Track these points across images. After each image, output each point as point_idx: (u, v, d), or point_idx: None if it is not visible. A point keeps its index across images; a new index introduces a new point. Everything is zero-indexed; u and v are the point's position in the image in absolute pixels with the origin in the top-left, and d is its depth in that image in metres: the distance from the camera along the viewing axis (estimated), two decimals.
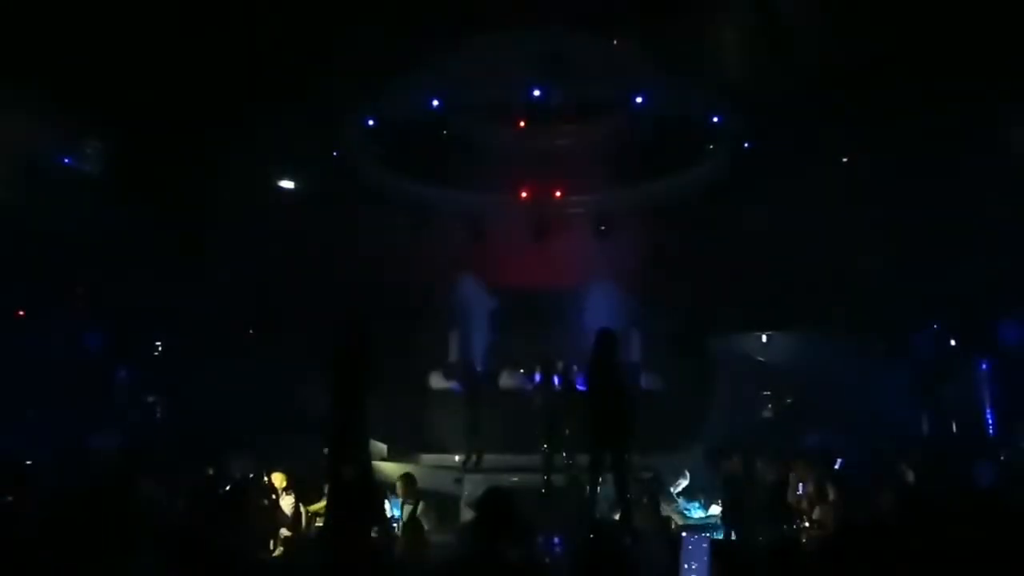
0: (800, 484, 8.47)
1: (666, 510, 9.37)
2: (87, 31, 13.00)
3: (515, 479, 10.25)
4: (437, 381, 17.11)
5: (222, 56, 13.84)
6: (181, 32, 13.49)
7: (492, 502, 3.90)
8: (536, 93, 15.33)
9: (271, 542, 7.89)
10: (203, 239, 15.66)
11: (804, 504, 8.03)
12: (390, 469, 12.50)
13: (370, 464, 7.46)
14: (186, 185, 15.95)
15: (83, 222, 15.60)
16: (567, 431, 10.70)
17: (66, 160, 16.37)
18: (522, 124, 17.78)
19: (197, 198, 16.03)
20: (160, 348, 17.29)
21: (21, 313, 14.72)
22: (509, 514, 3.84)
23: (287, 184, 18.48)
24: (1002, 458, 10.31)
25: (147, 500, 6.82)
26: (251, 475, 9.04)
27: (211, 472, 10.27)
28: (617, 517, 7.98)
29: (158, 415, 17.62)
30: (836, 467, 9.76)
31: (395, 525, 8.89)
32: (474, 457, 12.67)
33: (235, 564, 4.81)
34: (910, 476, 9.08)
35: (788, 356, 17.94)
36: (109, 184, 16.21)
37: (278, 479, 8.68)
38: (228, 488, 8.43)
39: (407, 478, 9.16)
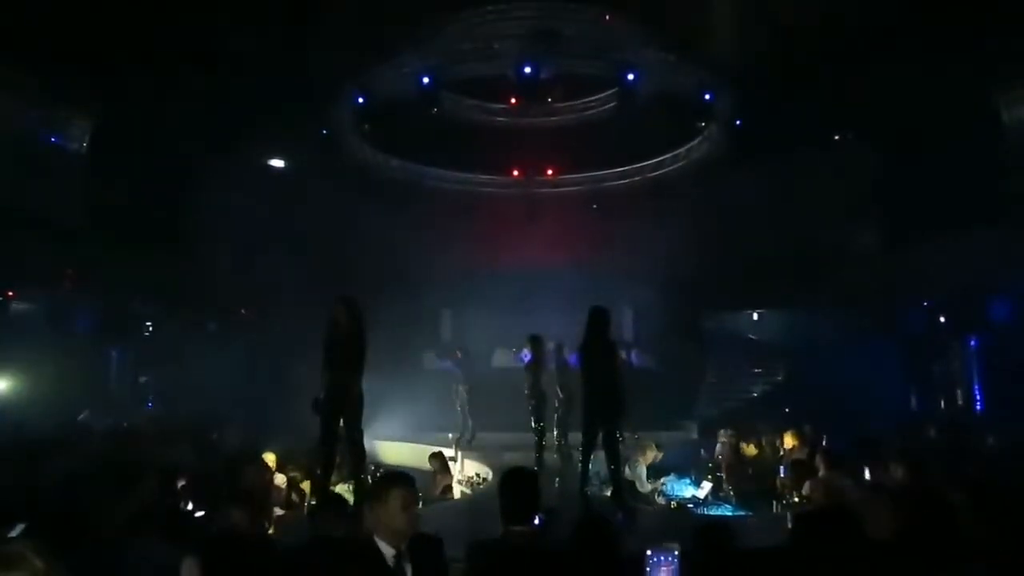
0: (790, 459, 8.53)
1: (646, 487, 9.44)
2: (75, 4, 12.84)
3: (507, 457, 10.28)
4: (430, 360, 17.14)
5: (212, 33, 13.69)
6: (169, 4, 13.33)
7: (516, 481, 3.85)
8: (528, 70, 15.19)
9: (265, 521, 7.90)
10: (193, 218, 15.57)
11: (794, 479, 8.07)
12: (384, 448, 12.56)
13: (363, 443, 7.45)
14: (176, 164, 15.84)
15: (72, 202, 15.54)
16: (559, 409, 10.73)
17: (53, 139, 16.23)
18: (514, 101, 17.67)
19: (187, 177, 15.92)
20: (151, 328, 17.23)
21: (11, 294, 14.63)
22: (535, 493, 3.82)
23: (277, 163, 18.37)
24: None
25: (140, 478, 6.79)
26: (243, 453, 9.03)
27: (205, 450, 10.30)
28: (609, 494, 8.04)
29: (150, 394, 17.65)
30: (825, 442, 9.81)
31: None
32: (467, 435, 12.71)
33: (230, 541, 4.80)
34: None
35: (779, 334, 18.05)
36: (99, 163, 16.10)
37: (269, 458, 8.67)
38: (221, 465, 8.42)
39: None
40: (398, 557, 3.23)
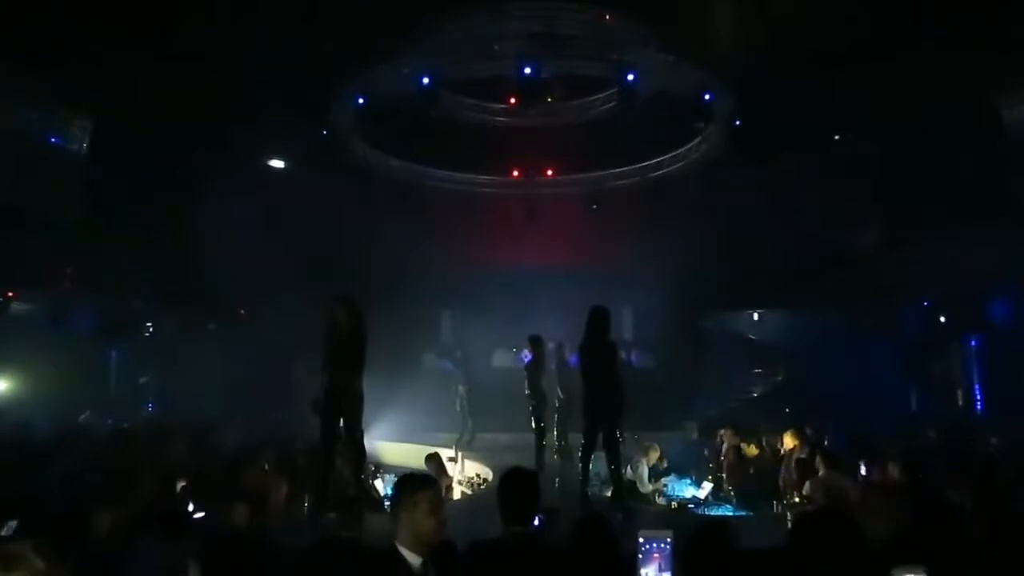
0: (791, 459, 8.53)
1: (647, 487, 9.43)
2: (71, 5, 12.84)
3: (507, 457, 10.29)
4: (430, 360, 17.16)
5: (212, 32, 13.67)
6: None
7: (516, 481, 3.77)
8: (527, 70, 15.18)
9: (264, 520, 7.90)
10: (193, 218, 15.57)
11: (794, 479, 8.08)
12: (383, 448, 12.55)
13: (363, 443, 7.45)
14: (175, 164, 15.85)
15: (72, 202, 15.53)
16: (559, 409, 10.74)
17: (53, 139, 16.23)
18: (513, 101, 17.65)
19: (187, 177, 15.92)
20: (151, 328, 17.24)
21: (10, 294, 14.63)
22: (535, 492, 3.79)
23: (277, 163, 18.38)
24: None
25: (140, 478, 6.80)
26: (243, 453, 9.04)
27: (205, 450, 10.32)
28: (609, 494, 8.05)
29: (150, 395, 17.67)
30: (826, 442, 9.82)
31: (387, 504, 8.93)
32: (467, 436, 12.72)
33: (230, 541, 4.81)
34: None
35: (779, 334, 18.06)
36: (99, 163, 16.11)
37: (269, 458, 8.67)
38: (221, 466, 8.43)
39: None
40: (424, 566, 2.99)
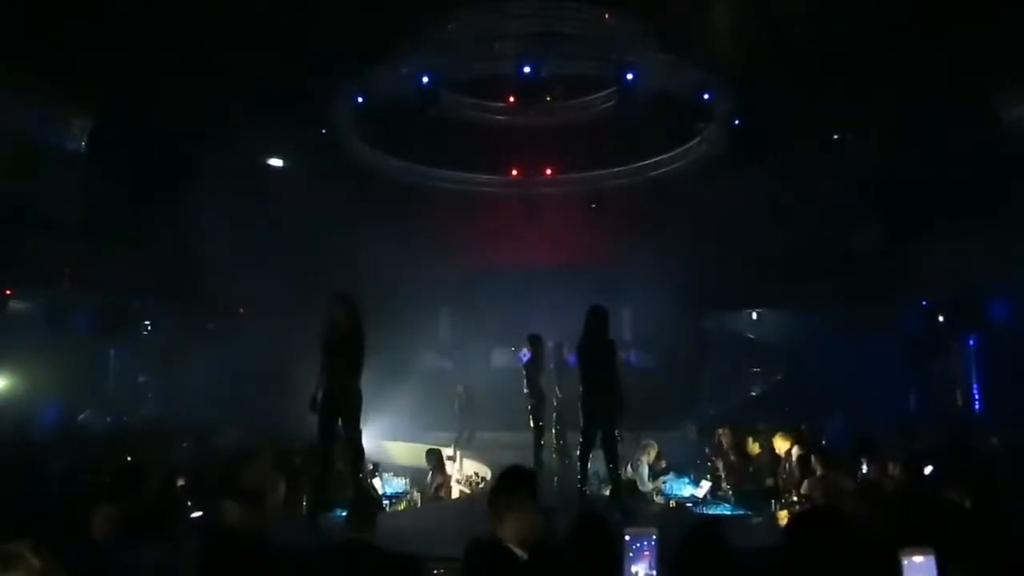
0: (789, 459, 8.53)
1: (647, 486, 9.43)
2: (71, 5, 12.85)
3: (506, 456, 10.29)
4: (429, 360, 17.17)
5: (212, 32, 13.68)
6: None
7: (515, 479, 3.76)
8: (527, 69, 15.18)
9: (263, 520, 7.89)
10: (192, 218, 15.57)
11: (793, 478, 8.09)
12: (382, 448, 12.56)
13: (361, 443, 7.45)
14: (175, 163, 15.84)
15: (71, 201, 15.52)
16: (558, 408, 10.74)
17: (53, 139, 16.22)
18: (513, 101, 17.65)
19: (187, 176, 15.91)
20: (150, 328, 17.23)
21: (8, 292, 14.63)
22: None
23: (276, 162, 18.38)
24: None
25: (140, 478, 6.80)
26: (242, 453, 9.03)
27: (204, 449, 10.32)
28: (607, 493, 8.05)
29: (150, 394, 17.67)
30: (824, 441, 9.82)
31: (385, 503, 8.95)
32: (466, 434, 12.73)
33: (229, 540, 4.81)
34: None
35: (778, 333, 18.07)
36: (98, 162, 16.09)
37: (267, 458, 8.66)
38: (220, 465, 8.42)
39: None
40: (529, 561, 2.95)
